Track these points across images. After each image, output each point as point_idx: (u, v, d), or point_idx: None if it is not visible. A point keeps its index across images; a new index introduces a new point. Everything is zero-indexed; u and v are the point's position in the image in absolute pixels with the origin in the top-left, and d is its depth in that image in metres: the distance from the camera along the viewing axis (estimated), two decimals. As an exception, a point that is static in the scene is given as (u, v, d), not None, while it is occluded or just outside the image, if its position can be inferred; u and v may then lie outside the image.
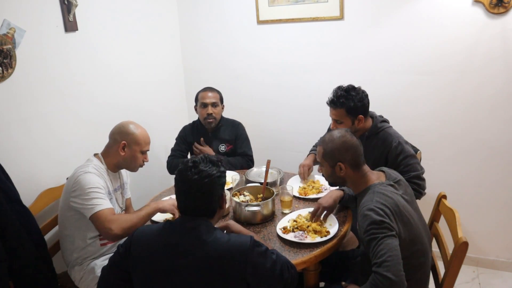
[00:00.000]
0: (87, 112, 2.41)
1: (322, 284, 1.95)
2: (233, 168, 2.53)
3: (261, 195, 2.04)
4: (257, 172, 2.36)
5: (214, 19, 3.06)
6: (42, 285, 1.81)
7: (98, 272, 1.79)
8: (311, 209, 1.89)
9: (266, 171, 2.07)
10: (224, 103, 2.69)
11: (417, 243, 1.55)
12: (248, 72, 3.08)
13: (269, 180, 2.14)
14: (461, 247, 1.51)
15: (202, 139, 2.64)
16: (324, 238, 1.73)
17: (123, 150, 1.91)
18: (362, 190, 1.62)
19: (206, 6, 3.06)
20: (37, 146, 2.12)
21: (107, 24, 2.52)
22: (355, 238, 2.20)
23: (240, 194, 2.05)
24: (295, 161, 2.36)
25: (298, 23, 2.81)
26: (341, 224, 1.85)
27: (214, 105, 2.60)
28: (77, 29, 2.29)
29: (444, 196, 1.89)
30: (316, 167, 2.22)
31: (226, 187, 1.67)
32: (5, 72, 1.92)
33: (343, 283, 1.79)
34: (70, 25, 2.24)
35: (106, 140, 1.97)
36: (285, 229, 1.80)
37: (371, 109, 2.12)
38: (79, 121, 2.36)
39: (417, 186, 1.94)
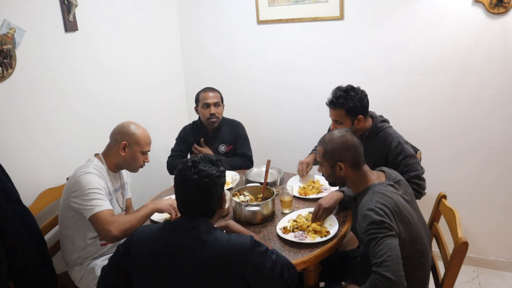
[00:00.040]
0: (87, 112, 2.41)
1: (322, 284, 1.95)
2: (232, 169, 2.53)
3: (261, 195, 2.04)
4: (257, 172, 2.36)
5: (214, 19, 3.06)
6: (42, 285, 1.81)
7: (98, 272, 1.79)
8: (311, 209, 1.89)
9: (266, 171, 2.07)
10: (224, 103, 2.69)
11: (417, 243, 1.55)
12: (248, 72, 3.08)
13: (269, 180, 2.14)
14: (461, 247, 1.52)
15: (202, 140, 2.64)
16: (324, 238, 1.73)
17: (123, 150, 1.91)
18: (362, 190, 1.62)
19: (206, 6, 3.06)
20: (37, 146, 2.12)
21: (107, 24, 2.52)
22: (355, 238, 2.20)
23: (240, 194, 2.05)
24: (295, 161, 2.36)
25: (298, 23, 2.80)
26: (341, 224, 1.85)
27: (216, 105, 2.60)
28: (77, 29, 2.29)
29: (444, 196, 1.89)
30: (316, 167, 2.22)
31: (226, 187, 1.68)
32: (5, 72, 1.92)
33: (343, 283, 1.79)
34: (70, 25, 2.24)
35: (106, 140, 1.97)
36: (285, 229, 1.80)
37: (371, 109, 2.12)
38: (79, 121, 2.36)
39: (417, 186, 1.94)
